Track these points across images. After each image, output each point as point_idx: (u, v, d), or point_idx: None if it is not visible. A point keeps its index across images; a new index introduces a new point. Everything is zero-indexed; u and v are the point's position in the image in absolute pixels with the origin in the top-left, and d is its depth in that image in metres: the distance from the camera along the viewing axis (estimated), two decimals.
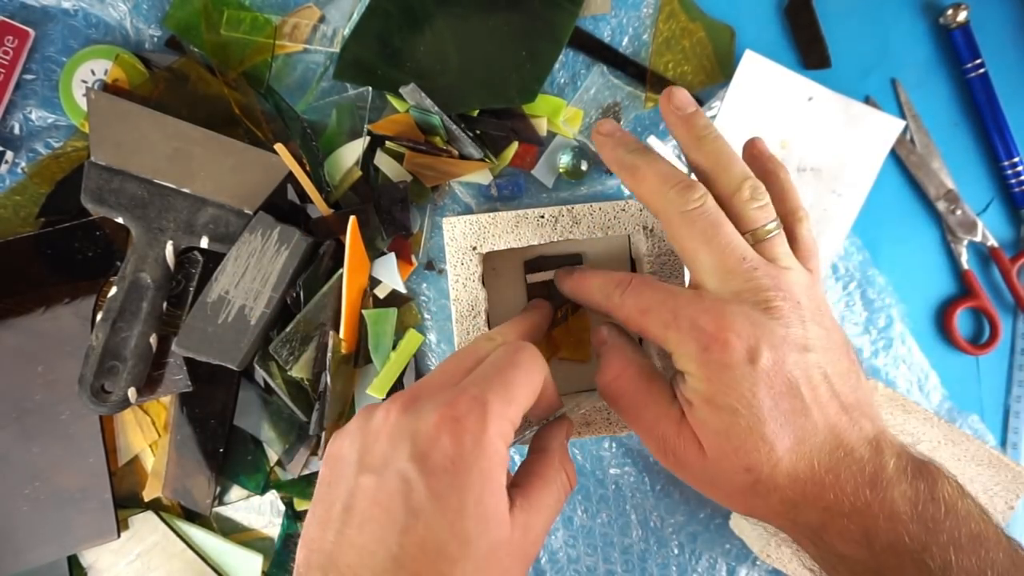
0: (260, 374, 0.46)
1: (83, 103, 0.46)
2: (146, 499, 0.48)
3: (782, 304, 0.29)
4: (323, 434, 0.45)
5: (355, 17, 0.47)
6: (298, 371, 0.45)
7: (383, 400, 0.39)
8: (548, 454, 0.32)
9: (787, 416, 0.28)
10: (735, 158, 0.32)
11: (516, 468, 0.50)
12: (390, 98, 0.48)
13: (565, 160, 0.49)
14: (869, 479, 0.28)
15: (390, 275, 0.48)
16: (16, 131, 0.47)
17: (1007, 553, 0.28)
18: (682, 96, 0.33)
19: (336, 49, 0.47)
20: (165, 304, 0.46)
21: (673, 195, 0.31)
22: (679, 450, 0.31)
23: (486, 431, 0.26)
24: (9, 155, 0.47)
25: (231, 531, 0.49)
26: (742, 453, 0.29)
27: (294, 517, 0.49)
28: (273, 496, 0.49)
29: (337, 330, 0.46)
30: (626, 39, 0.49)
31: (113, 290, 0.45)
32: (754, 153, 0.35)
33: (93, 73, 0.46)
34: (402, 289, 0.49)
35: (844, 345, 0.31)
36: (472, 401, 0.26)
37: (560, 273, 0.40)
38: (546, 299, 0.47)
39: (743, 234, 0.31)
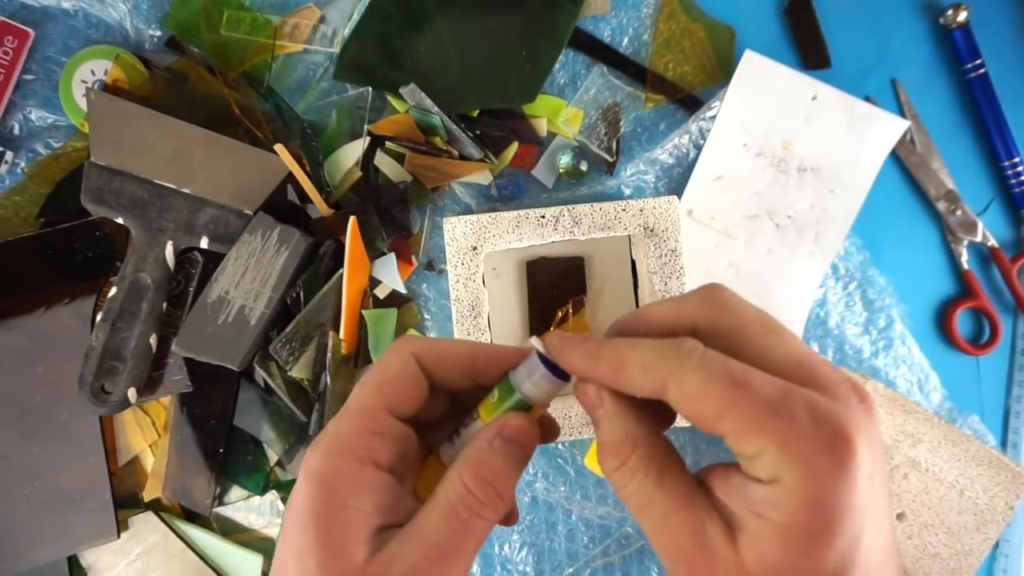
0: (260, 374, 0.46)
1: (83, 103, 0.46)
2: (146, 499, 0.48)
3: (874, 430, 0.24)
4: None
5: (355, 17, 0.47)
6: (298, 371, 0.45)
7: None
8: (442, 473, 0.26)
9: (876, 547, 0.23)
10: None
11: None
12: (390, 98, 0.48)
13: (565, 160, 0.49)
14: None
15: (390, 275, 0.48)
16: (16, 131, 0.47)
17: None
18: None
19: (336, 49, 0.47)
20: (165, 304, 0.46)
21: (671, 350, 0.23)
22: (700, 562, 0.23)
23: (310, 460, 0.26)
24: (9, 155, 0.47)
25: (231, 531, 0.49)
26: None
27: None
28: (273, 496, 0.49)
29: (337, 330, 0.46)
30: (626, 39, 0.49)
31: (113, 290, 0.45)
32: None
33: (93, 73, 0.46)
34: (402, 289, 0.49)
35: None
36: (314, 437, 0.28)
37: (559, 344, 0.26)
38: (548, 300, 0.48)
39: None
